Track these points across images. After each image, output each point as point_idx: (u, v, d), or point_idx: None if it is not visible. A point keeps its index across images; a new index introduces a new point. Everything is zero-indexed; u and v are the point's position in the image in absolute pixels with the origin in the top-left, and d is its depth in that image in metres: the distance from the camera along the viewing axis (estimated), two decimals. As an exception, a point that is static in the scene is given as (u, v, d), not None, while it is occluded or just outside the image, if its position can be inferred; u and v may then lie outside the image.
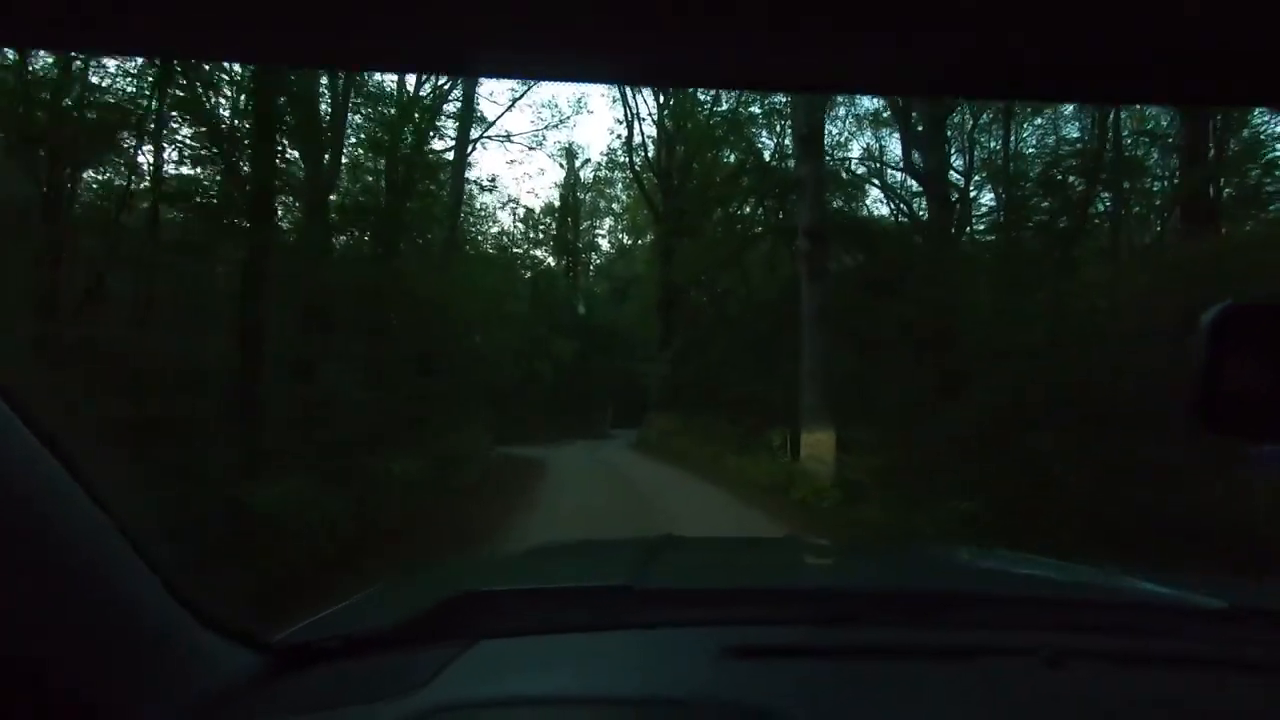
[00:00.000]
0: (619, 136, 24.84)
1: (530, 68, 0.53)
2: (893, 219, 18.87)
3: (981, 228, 16.62)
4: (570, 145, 33.42)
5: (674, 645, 0.97)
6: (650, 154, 23.87)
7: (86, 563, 0.71)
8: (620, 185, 36.65)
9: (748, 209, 19.83)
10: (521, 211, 26.70)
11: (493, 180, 20.43)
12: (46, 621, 0.66)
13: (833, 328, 10.97)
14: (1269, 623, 1.03)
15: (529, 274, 34.63)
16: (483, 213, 22.21)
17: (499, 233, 22.83)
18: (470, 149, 21.46)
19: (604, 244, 42.01)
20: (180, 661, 0.80)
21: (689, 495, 10.70)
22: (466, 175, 21.04)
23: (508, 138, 21.91)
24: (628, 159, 24.52)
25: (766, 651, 0.92)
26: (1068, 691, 0.83)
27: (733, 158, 20.65)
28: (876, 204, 20.20)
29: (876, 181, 18.15)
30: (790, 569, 1.65)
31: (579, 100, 25.39)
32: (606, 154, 29.75)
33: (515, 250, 35.77)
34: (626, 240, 40.87)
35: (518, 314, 26.10)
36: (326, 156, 14.05)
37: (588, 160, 39.61)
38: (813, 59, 0.44)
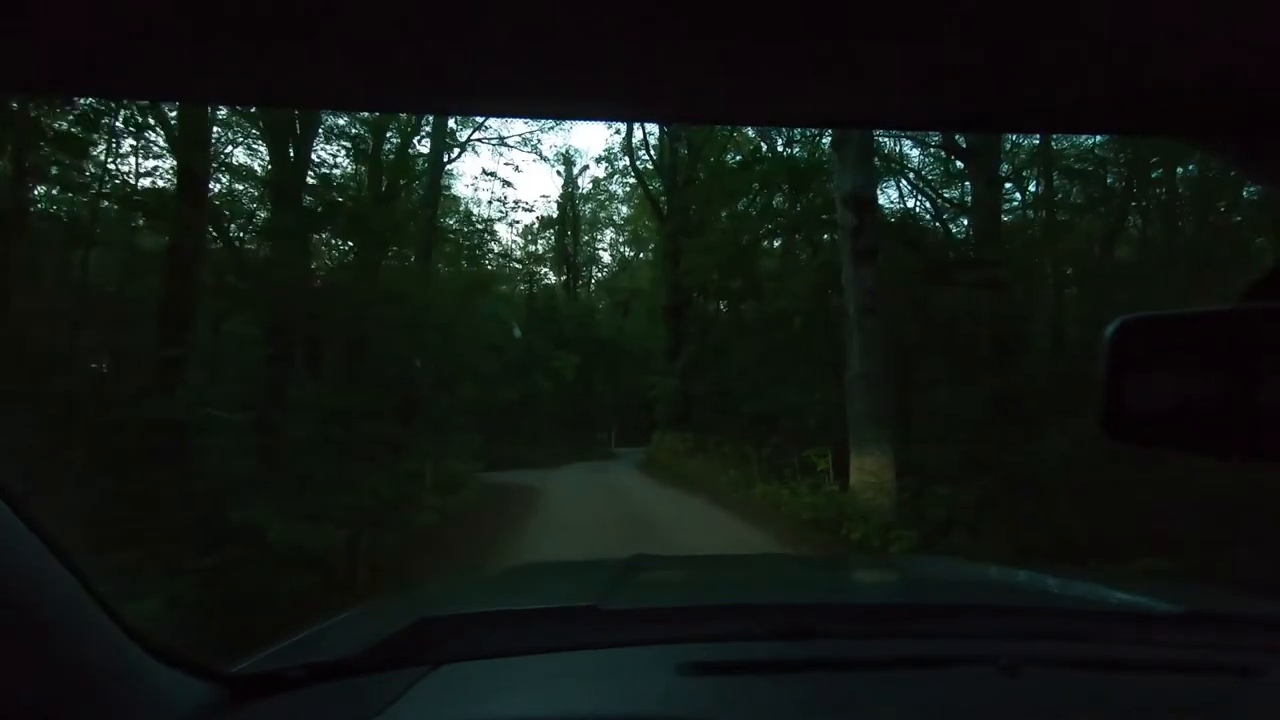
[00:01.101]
0: (618, 131, 22.78)
1: (526, 108, 0.51)
2: (914, 211, 16.71)
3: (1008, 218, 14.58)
4: (568, 150, 31.44)
5: (635, 664, 0.95)
6: (653, 150, 21.89)
7: (34, 599, 0.69)
8: (621, 193, 34.73)
9: (758, 203, 17.71)
10: (511, 208, 24.31)
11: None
12: None
13: (887, 321, 8.75)
14: (1223, 628, 1.02)
15: (525, 286, 32.61)
16: (476, 222, 19.99)
17: (487, 236, 20.36)
18: (459, 152, 19.64)
19: (605, 257, 40.05)
20: (134, 695, 0.77)
21: (717, 535, 8.44)
22: (453, 176, 19.10)
23: (500, 141, 19.77)
24: (628, 158, 22.48)
25: (727, 668, 0.91)
26: (1026, 698, 0.82)
27: (738, 157, 18.63)
28: (891, 202, 17.84)
29: (912, 159, 15.91)
30: (756, 584, 1.61)
31: (575, 101, 23.37)
32: (606, 153, 27.39)
33: (514, 264, 33.79)
34: (629, 253, 38.96)
35: (509, 322, 23.93)
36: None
37: (586, 167, 37.62)
38: (810, 96, 0.45)
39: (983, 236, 12.81)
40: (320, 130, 14.44)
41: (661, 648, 0.96)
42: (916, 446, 9.33)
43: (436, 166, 15.26)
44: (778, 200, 16.87)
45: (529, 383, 23.75)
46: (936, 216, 14.36)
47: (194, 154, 8.84)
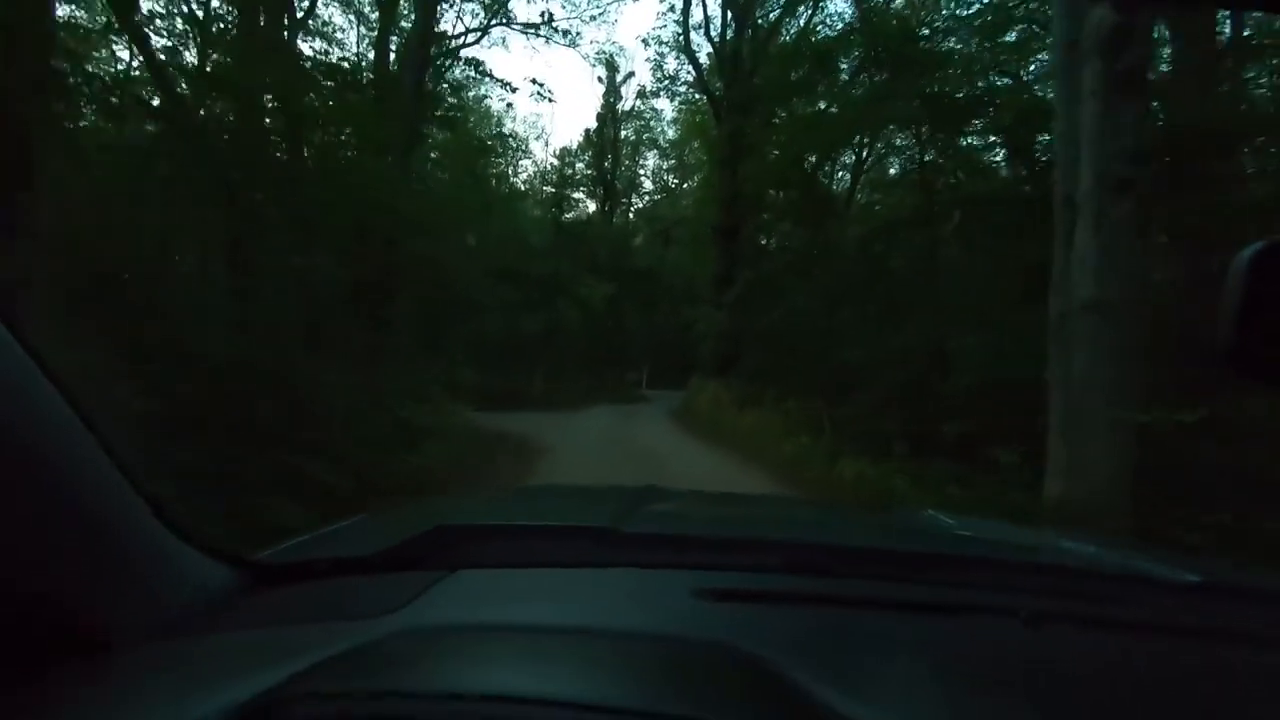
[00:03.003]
0: (671, 8, 18.09)
1: None
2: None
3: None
4: (610, 56, 26.54)
5: (653, 585, 0.90)
6: (713, 36, 17.35)
7: (64, 473, 0.66)
8: (668, 115, 29.97)
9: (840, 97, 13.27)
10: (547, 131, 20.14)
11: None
12: (22, 529, 0.63)
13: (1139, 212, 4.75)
14: (1240, 598, 1.02)
15: (555, 211, 28.60)
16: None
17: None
18: (479, 37, 15.58)
19: (647, 184, 35.50)
20: (157, 572, 0.75)
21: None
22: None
23: (538, 27, 15.52)
24: (683, 38, 17.94)
25: (747, 596, 0.86)
26: (1045, 651, 0.79)
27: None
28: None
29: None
30: (774, 522, 1.56)
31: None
32: (654, 37, 21.99)
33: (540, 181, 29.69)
34: (673, 181, 34.40)
35: (534, 244, 20.24)
36: None
37: (631, 74, 32.55)
38: None
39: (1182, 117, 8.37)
40: None
41: (677, 572, 0.91)
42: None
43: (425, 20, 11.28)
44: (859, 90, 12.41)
45: (553, 311, 20.24)
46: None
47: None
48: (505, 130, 26.71)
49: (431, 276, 8.91)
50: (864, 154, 16.08)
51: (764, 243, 16.60)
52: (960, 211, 7.47)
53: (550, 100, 14.33)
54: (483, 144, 14.71)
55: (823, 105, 13.30)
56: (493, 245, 15.47)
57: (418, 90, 11.95)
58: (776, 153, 13.29)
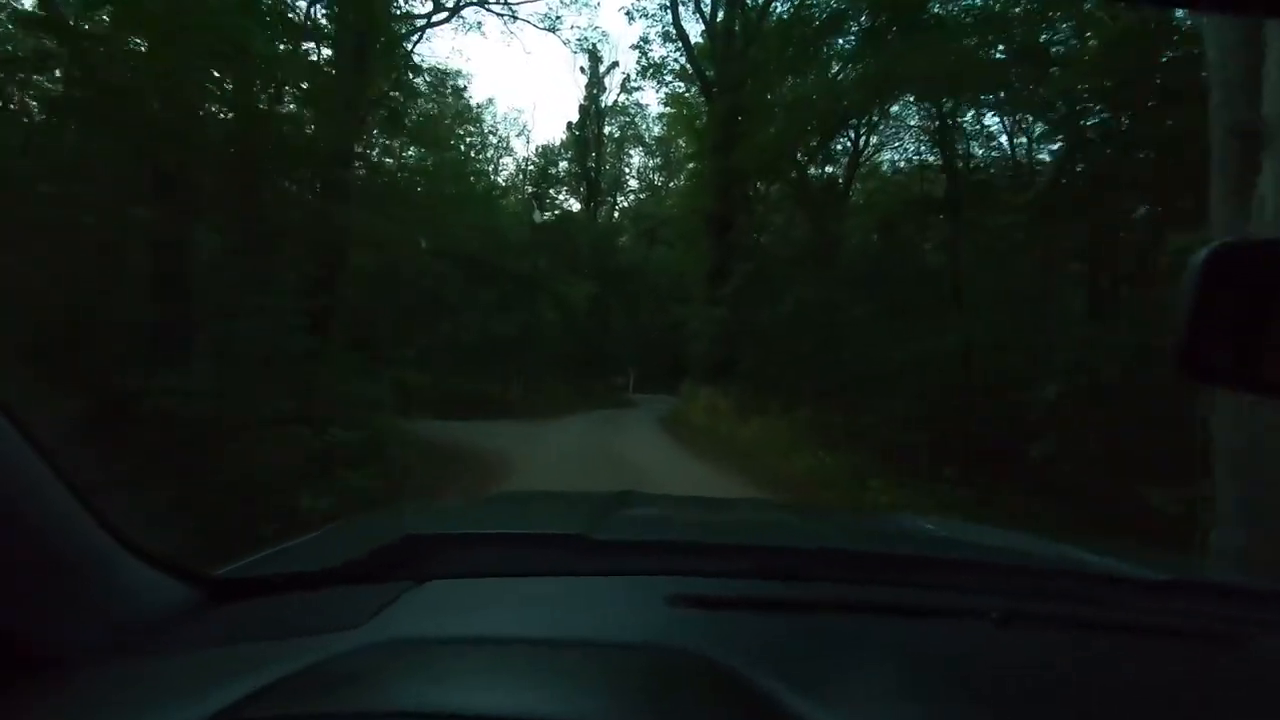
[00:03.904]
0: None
1: None
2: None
3: None
4: (594, 45, 24.88)
5: (622, 593, 0.88)
6: (704, 7, 15.86)
7: (9, 492, 0.65)
8: (654, 111, 28.38)
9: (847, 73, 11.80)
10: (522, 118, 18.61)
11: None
12: None
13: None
14: (1205, 596, 1.01)
15: (538, 205, 26.96)
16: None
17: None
18: (449, 17, 13.99)
19: (632, 183, 33.90)
20: (109, 589, 0.73)
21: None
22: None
23: (515, 7, 13.96)
24: (671, 12, 16.40)
25: (717, 603, 0.84)
26: (1016, 652, 0.78)
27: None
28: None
29: None
30: (746, 527, 1.50)
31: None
32: (640, 7, 20.07)
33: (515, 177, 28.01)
34: (659, 179, 32.87)
35: (512, 240, 18.56)
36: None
37: (615, 64, 30.90)
38: None
39: None
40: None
41: (649, 579, 0.89)
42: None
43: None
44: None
45: (532, 310, 18.60)
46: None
47: None
48: (486, 126, 25.16)
49: (383, 266, 7.31)
50: (861, 140, 14.75)
51: (759, 238, 15.17)
52: (1058, 166, 5.95)
53: (514, 18, 12.75)
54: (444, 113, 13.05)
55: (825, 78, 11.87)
56: (466, 238, 13.85)
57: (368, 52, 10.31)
58: (774, 129, 11.83)
